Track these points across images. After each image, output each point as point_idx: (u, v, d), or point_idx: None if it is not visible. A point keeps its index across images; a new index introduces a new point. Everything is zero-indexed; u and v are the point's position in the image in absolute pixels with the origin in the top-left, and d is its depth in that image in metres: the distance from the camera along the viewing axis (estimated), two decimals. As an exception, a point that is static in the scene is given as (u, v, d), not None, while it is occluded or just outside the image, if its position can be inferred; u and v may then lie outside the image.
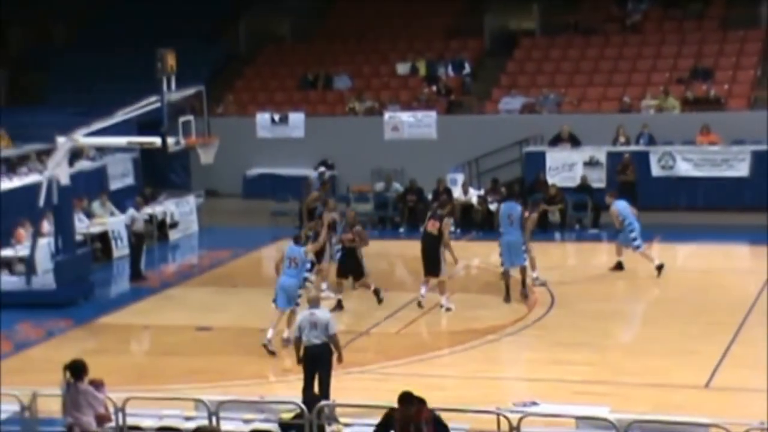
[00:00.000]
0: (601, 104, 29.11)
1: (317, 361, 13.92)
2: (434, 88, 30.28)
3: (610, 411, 12.44)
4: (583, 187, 25.72)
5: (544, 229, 24.67)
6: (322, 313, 14.17)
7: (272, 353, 16.35)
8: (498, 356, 16.72)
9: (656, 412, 12.82)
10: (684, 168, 25.99)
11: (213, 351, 17.24)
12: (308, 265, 18.15)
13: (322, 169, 27.34)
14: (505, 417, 11.71)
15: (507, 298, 19.01)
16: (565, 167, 26.46)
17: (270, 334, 16.43)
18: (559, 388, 14.90)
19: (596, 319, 18.25)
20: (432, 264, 18.58)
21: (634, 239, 20.57)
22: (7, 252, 21.54)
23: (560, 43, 31.41)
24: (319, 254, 19.31)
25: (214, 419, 12.13)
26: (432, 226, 18.71)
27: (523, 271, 19.27)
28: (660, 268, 20.43)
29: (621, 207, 20.80)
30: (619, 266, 20.99)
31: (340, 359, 14.15)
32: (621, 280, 20.72)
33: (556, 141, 27.10)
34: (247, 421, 12.52)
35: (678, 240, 23.49)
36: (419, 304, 18.74)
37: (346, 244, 19.16)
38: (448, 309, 18.65)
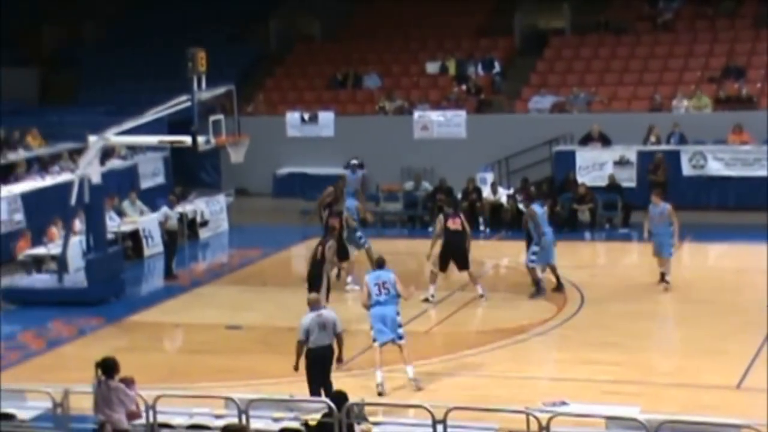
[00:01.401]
0: (631, 103, 28.99)
1: (325, 361, 13.87)
2: (464, 87, 30.24)
3: (640, 411, 12.40)
4: (614, 187, 25.62)
5: (573, 229, 24.63)
6: (328, 313, 14.11)
7: (380, 394, 14.80)
8: (527, 356, 16.69)
9: (687, 413, 12.74)
10: (715, 167, 25.84)
11: (243, 349, 17.31)
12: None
13: (354, 161, 27.20)
14: (534, 417, 11.69)
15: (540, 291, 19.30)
16: (595, 166, 26.36)
17: (379, 377, 14.93)
18: (589, 387, 14.85)
19: (626, 319, 18.17)
20: (465, 259, 19.10)
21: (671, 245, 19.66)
22: (40, 250, 21.74)
23: (591, 42, 31.29)
24: (341, 252, 19.66)
25: (243, 417, 12.18)
26: (455, 224, 19.07)
27: (554, 268, 19.53)
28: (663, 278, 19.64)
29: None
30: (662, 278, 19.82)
31: (340, 359, 14.17)
32: (651, 280, 20.60)
33: (586, 140, 27.00)
34: (276, 420, 12.55)
35: (709, 240, 23.35)
36: (426, 300, 19.00)
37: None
38: (482, 296, 19.08)
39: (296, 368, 13.89)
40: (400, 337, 15.14)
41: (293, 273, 22.37)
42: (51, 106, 32.33)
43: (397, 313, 15.23)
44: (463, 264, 19.20)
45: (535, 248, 19.25)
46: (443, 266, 19.25)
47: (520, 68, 31.30)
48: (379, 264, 15.71)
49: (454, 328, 18.17)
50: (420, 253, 23.25)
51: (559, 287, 19.45)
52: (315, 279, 17.36)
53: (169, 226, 22.06)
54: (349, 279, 20.29)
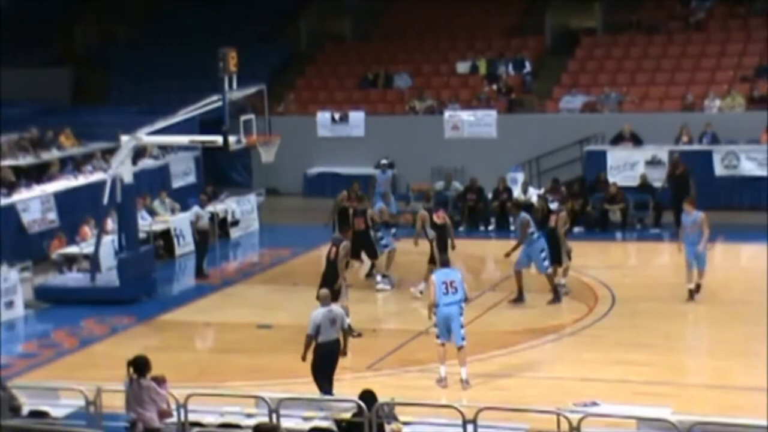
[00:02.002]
0: (663, 103, 28.84)
1: (333, 356, 14.22)
2: (495, 86, 30.19)
3: (672, 412, 12.35)
4: (645, 187, 25.50)
5: (605, 229, 24.55)
6: (337, 308, 14.48)
7: (444, 386, 15.14)
8: (558, 356, 16.64)
9: (719, 415, 12.66)
10: (748, 167, 25.66)
11: (273, 348, 17.35)
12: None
13: (384, 161, 27.15)
14: (565, 417, 11.66)
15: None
16: (626, 166, 26.24)
17: (443, 371, 15.20)
18: (620, 388, 14.80)
19: (657, 320, 18.09)
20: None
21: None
22: (72, 249, 21.89)
23: (622, 42, 31.15)
24: (370, 251, 20.07)
25: (274, 416, 12.21)
26: (439, 218, 19.40)
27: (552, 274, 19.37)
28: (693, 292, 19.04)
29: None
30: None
31: (344, 352, 14.53)
32: (682, 280, 20.47)
33: (617, 140, 26.89)
34: (306, 419, 12.58)
35: (741, 240, 23.19)
36: (421, 292, 19.01)
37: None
38: (421, 292, 19.03)
39: (303, 359, 14.17)
40: (462, 339, 15.19)
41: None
42: (84, 106, 32.54)
43: (461, 314, 15.23)
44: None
45: (543, 254, 19.00)
46: (434, 260, 19.01)
47: (551, 68, 31.21)
48: (445, 263, 15.76)
49: (484, 328, 18.12)
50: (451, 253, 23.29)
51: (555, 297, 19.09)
52: (329, 278, 17.30)
53: (201, 226, 22.15)
54: (379, 278, 20.33)
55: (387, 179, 26.15)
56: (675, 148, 26.09)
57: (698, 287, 18.94)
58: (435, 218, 19.43)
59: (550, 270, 19.12)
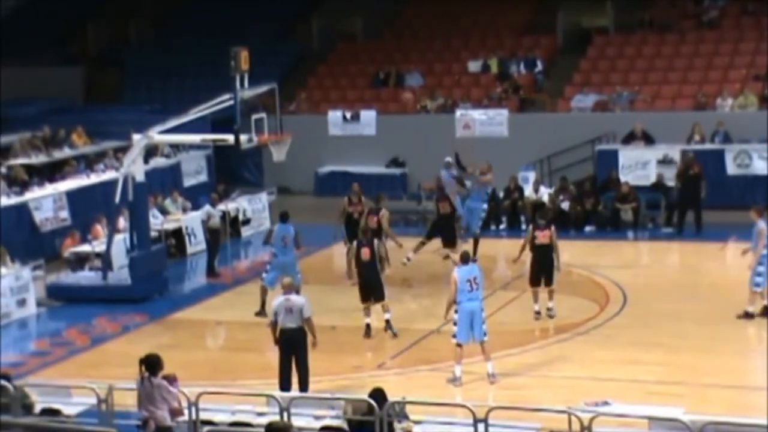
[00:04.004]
0: (675, 102, 28.77)
1: (292, 344, 14.46)
2: (506, 85, 30.15)
3: (684, 412, 12.31)
4: (657, 186, 25.45)
5: (616, 228, 24.51)
6: (297, 298, 14.67)
7: (458, 386, 15.11)
8: (569, 355, 16.61)
9: (731, 414, 12.63)
10: (760, 166, 25.56)
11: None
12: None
13: (448, 159, 26.21)
14: (576, 417, 11.64)
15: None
16: (638, 165, 26.18)
17: (459, 371, 15.22)
18: (632, 388, 14.78)
19: (670, 319, 18.05)
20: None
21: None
22: (85, 248, 21.94)
23: (634, 41, 31.08)
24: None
25: (285, 415, 12.22)
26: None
27: None
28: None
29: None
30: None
31: (314, 343, 14.66)
32: (695, 279, 20.46)
33: (629, 139, 26.84)
34: (317, 418, 12.59)
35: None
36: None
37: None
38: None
39: (275, 343, 14.60)
40: (484, 334, 15.24)
41: (334, 271, 22.41)
42: (96, 105, 32.62)
43: (482, 309, 15.30)
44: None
45: None
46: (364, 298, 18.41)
47: (562, 67, 31.16)
48: (466, 259, 15.62)
49: (495, 328, 18.03)
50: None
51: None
52: (375, 281, 17.32)
53: (212, 225, 22.18)
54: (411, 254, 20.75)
55: (451, 179, 25.27)
56: (687, 147, 26.01)
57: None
58: (362, 254, 18.40)
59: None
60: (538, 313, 18.04)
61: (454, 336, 15.27)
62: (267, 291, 18.51)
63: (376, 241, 17.84)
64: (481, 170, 21.92)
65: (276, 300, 14.73)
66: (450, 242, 21.03)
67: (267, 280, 18.70)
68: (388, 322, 17.49)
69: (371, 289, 17.38)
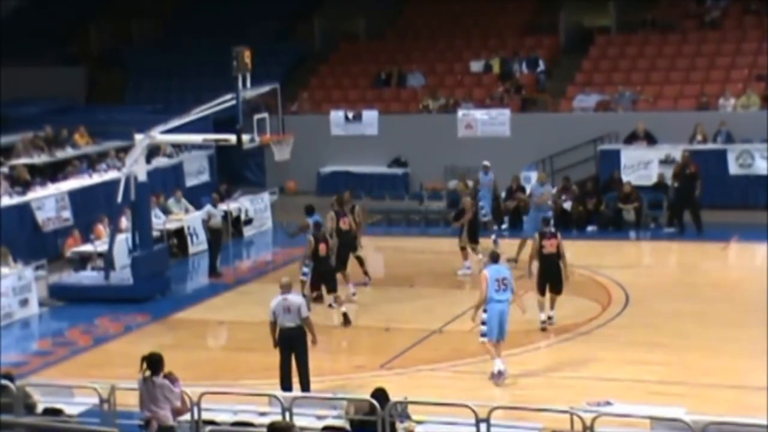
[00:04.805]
0: (677, 102, 28.76)
1: (292, 343, 14.55)
2: (508, 85, 30.14)
3: (686, 412, 12.30)
4: (659, 186, 25.44)
5: (618, 228, 24.51)
6: (295, 297, 14.77)
7: (499, 384, 15.14)
8: (572, 355, 16.60)
9: (733, 414, 12.62)
10: (762, 166, 25.55)
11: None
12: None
13: (486, 162, 24.96)
14: (578, 417, 11.64)
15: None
16: (640, 165, 26.18)
17: (499, 364, 15.19)
18: (634, 388, 14.78)
19: (672, 319, 18.04)
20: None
21: None
22: (87, 247, 21.95)
23: (636, 41, 31.07)
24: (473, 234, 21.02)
25: (287, 415, 12.22)
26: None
27: None
28: None
29: None
30: None
31: (314, 341, 14.73)
32: (697, 279, 20.45)
33: (631, 139, 26.83)
34: (320, 417, 12.59)
35: (756, 239, 23.08)
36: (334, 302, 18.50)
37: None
38: (354, 294, 19.35)
39: (275, 345, 14.64)
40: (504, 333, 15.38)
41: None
42: (98, 105, 32.65)
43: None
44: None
45: None
46: (344, 266, 19.11)
47: (565, 67, 31.16)
48: (495, 259, 15.58)
49: (497, 327, 18.12)
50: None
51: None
52: (329, 273, 18.34)
53: (213, 224, 22.19)
54: (466, 264, 20.94)
55: (490, 181, 25.22)
56: (689, 147, 26.00)
57: None
58: (341, 224, 19.31)
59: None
60: (544, 322, 17.58)
61: (484, 335, 15.21)
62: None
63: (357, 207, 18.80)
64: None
65: (274, 300, 14.76)
66: (476, 240, 21.27)
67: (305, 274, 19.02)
68: (344, 313, 18.12)
69: (326, 280, 18.29)
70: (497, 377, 15.11)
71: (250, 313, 19.00)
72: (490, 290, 15.05)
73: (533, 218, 21.49)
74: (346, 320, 18.09)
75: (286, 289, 14.77)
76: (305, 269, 19.02)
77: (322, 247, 18.36)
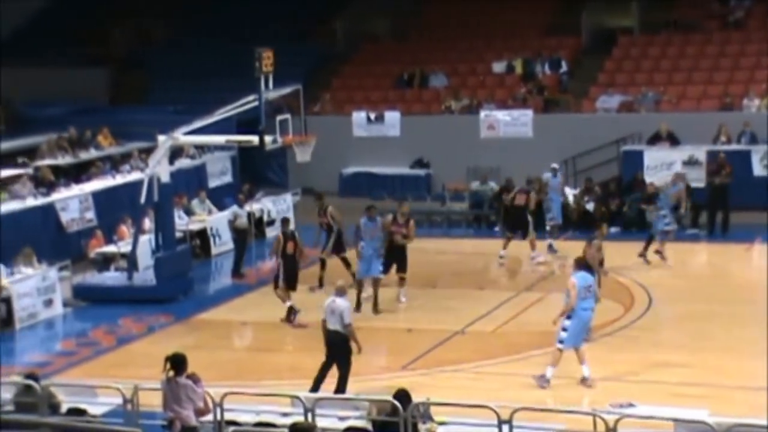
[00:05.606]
0: (701, 102, 28.64)
1: (329, 346, 14.63)
2: (531, 86, 30.09)
3: (709, 414, 12.26)
4: (683, 187, 25.31)
5: (641, 229, 24.40)
6: (341, 302, 14.72)
7: (589, 386, 15.12)
8: (594, 357, 16.51)
9: (757, 417, 12.55)
10: (787, 167, 25.43)
11: (309, 348, 17.32)
12: None
13: (554, 165, 25.13)
14: (601, 418, 11.61)
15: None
16: (663, 166, 26.07)
17: (550, 372, 15.17)
18: (657, 389, 14.73)
19: (695, 320, 17.98)
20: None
21: None
22: (110, 248, 22.05)
23: (659, 41, 30.97)
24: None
25: (309, 416, 12.24)
26: (290, 248, 18.81)
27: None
28: None
29: None
30: None
31: (358, 349, 14.77)
32: (720, 281, 20.36)
33: (654, 140, 26.74)
34: (342, 419, 12.61)
35: (780, 241, 22.97)
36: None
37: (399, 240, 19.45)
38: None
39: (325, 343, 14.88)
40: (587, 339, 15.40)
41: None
42: (121, 106, 32.78)
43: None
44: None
45: None
46: (287, 286, 18.93)
47: (587, 67, 31.09)
48: (583, 265, 15.63)
49: (520, 328, 18.10)
50: (487, 252, 23.27)
51: None
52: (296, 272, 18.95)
53: (239, 225, 22.26)
54: (534, 253, 21.78)
55: (558, 183, 24.78)
56: (713, 148, 25.90)
57: None
58: (287, 248, 18.97)
59: None
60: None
61: (561, 342, 15.10)
62: (371, 283, 19.09)
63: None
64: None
65: (326, 300, 14.94)
66: (525, 233, 21.91)
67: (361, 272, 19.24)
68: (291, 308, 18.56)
69: (295, 279, 18.78)
70: (543, 381, 15.03)
71: (273, 314, 19.06)
72: (578, 298, 15.03)
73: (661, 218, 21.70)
74: (289, 315, 18.46)
75: (337, 291, 14.86)
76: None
77: (289, 245, 18.70)
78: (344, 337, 14.59)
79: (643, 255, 21.40)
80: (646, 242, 21.61)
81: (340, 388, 14.51)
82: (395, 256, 19.30)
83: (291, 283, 18.78)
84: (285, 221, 19.62)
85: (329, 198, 29.22)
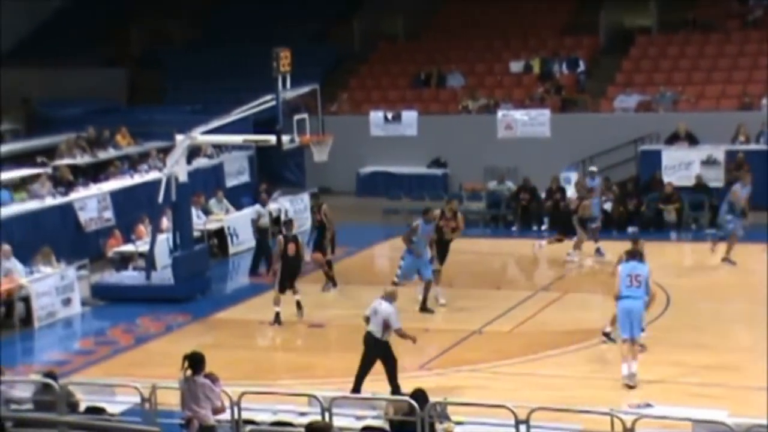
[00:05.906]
0: (719, 102, 28.54)
1: (365, 345, 14.55)
2: (548, 85, 30.04)
3: (728, 415, 12.21)
4: (700, 187, 25.25)
5: (659, 229, 24.36)
6: (386, 306, 14.54)
7: (631, 387, 14.87)
8: (612, 356, 16.50)
9: (776, 417, 12.51)
10: (806, 167, 25.28)
11: (325, 347, 17.41)
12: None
13: (592, 168, 25.26)
14: (619, 418, 11.59)
15: None
16: (681, 166, 25.98)
17: (626, 370, 14.95)
18: (675, 390, 14.68)
19: (713, 320, 17.91)
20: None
21: None
22: (128, 247, 22.11)
23: (677, 40, 30.87)
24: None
25: (326, 415, 12.25)
26: (291, 250, 18.77)
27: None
28: None
29: None
30: None
31: (413, 341, 14.82)
32: (738, 280, 20.27)
33: (672, 139, 26.66)
34: (359, 418, 12.61)
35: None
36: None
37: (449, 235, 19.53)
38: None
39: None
40: (641, 330, 15.29)
41: (376, 271, 22.46)
42: (139, 106, 32.87)
43: (643, 308, 15.19)
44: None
45: None
46: (282, 288, 18.75)
47: (605, 67, 31.02)
48: (634, 255, 15.57)
49: (537, 328, 18.07)
50: (504, 252, 23.26)
51: None
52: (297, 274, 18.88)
53: (261, 224, 22.32)
54: (571, 251, 21.83)
55: (598, 186, 24.43)
56: (731, 148, 25.80)
57: None
58: (288, 250, 18.87)
59: None
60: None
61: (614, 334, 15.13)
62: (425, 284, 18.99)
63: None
64: None
65: (374, 301, 14.80)
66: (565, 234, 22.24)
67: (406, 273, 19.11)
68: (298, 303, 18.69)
69: (292, 281, 18.63)
70: (628, 379, 14.89)
71: (290, 313, 19.07)
72: (621, 286, 14.99)
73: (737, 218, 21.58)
74: (276, 319, 18.42)
75: (384, 296, 14.69)
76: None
77: (290, 247, 18.62)
78: (378, 340, 14.46)
79: (727, 259, 21.33)
80: (727, 246, 21.41)
81: (392, 386, 14.37)
82: (441, 250, 19.47)
83: (283, 286, 18.60)
84: (288, 223, 19.52)
85: (346, 197, 29.48)
